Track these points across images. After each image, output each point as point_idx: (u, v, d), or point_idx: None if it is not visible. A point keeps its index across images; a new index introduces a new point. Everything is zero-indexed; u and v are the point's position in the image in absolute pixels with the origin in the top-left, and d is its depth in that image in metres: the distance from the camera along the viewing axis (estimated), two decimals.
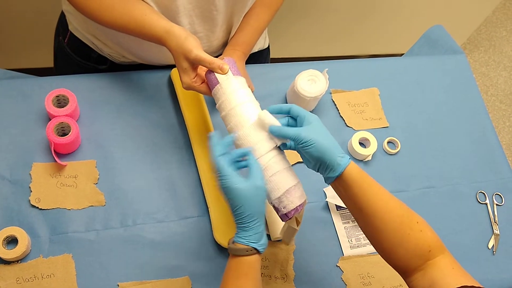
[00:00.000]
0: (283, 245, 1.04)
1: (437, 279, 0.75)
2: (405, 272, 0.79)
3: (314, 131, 0.81)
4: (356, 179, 0.80)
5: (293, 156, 1.13)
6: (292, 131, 0.81)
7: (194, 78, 0.92)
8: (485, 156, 1.23)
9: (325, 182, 0.84)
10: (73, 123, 1.01)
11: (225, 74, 0.87)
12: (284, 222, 1.03)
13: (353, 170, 0.80)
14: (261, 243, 0.79)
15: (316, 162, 0.81)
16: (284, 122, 0.86)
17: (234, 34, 1.10)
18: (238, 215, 0.78)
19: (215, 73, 0.88)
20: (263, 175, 0.81)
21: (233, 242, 0.79)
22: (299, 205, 0.83)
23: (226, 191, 0.78)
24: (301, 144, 0.80)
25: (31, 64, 1.86)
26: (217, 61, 0.87)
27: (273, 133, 0.83)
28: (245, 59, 1.10)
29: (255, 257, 0.79)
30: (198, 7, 1.00)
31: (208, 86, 0.92)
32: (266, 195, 0.83)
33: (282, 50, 2.08)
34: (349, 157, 0.82)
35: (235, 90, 0.87)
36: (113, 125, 1.09)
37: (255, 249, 0.78)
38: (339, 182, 0.82)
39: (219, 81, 0.88)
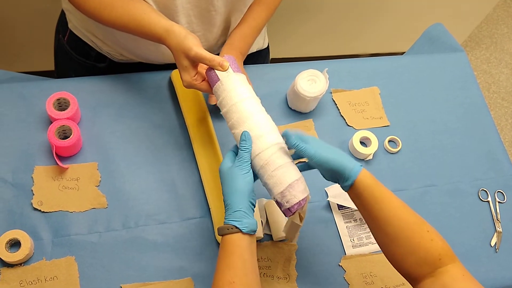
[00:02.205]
0: (285, 245, 1.04)
1: (448, 285, 0.76)
2: (415, 279, 0.80)
3: (318, 146, 0.84)
4: (367, 186, 0.82)
5: None
6: (303, 146, 0.84)
7: (194, 76, 0.92)
8: (486, 154, 1.23)
9: (344, 190, 0.86)
10: (74, 126, 1.01)
11: (225, 71, 0.88)
12: (286, 219, 1.03)
13: (365, 178, 0.82)
14: (243, 222, 0.81)
15: (331, 174, 0.85)
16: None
17: (231, 33, 1.10)
18: (223, 195, 0.84)
19: (216, 70, 0.88)
20: (246, 156, 0.84)
21: None
22: (302, 199, 0.83)
23: (219, 175, 0.86)
24: (313, 160, 0.84)
25: (31, 68, 1.86)
26: (217, 58, 0.87)
27: (288, 139, 0.84)
28: (243, 59, 1.10)
29: (239, 235, 0.81)
30: (197, 6, 1.00)
31: (209, 84, 0.92)
32: (269, 190, 0.86)
33: (281, 50, 2.09)
34: (360, 165, 0.83)
35: (236, 86, 0.88)
36: (114, 127, 1.09)
37: (236, 227, 0.80)
38: (352, 190, 0.84)
39: (220, 78, 0.88)
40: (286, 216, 0.86)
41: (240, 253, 0.80)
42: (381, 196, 0.82)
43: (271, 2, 1.11)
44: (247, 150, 0.84)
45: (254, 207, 0.85)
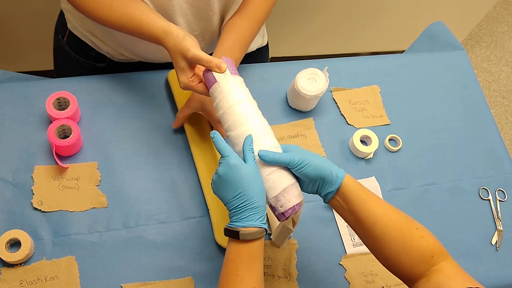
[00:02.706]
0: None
1: (443, 284, 0.75)
2: (410, 279, 0.79)
3: (303, 152, 0.83)
4: (354, 189, 0.82)
5: None
6: (285, 156, 0.82)
7: (191, 77, 0.91)
8: (487, 152, 1.23)
9: (324, 201, 0.85)
10: (74, 126, 1.01)
11: (222, 72, 0.87)
12: (277, 224, 1.03)
13: (350, 182, 0.82)
14: (267, 225, 0.81)
15: (315, 181, 0.83)
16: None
17: (216, 47, 1.04)
18: (244, 196, 0.77)
19: (213, 72, 0.88)
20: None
21: (237, 228, 0.78)
22: (297, 204, 0.82)
23: (229, 172, 0.78)
24: (297, 166, 0.81)
25: (31, 67, 1.86)
26: (214, 60, 0.86)
27: (265, 159, 0.81)
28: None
29: (263, 240, 0.80)
30: (193, 6, 1.00)
31: (206, 86, 0.91)
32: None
33: (282, 49, 2.08)
34: (343, 170, 0.83)
35: (233, 89, 0.87)
36: (114, 126, 1.09)
37: (266, 230, 0.79)
38: (338, 196, 0.83)
39: (217, 79, 0.87)
40: (279, 221, 0.85)
41: (262, 257, 0.79)
42: (368, 198, 0.81)
43: (254, 15, 1.05)
44: (253, 152, 0.82)
45: None
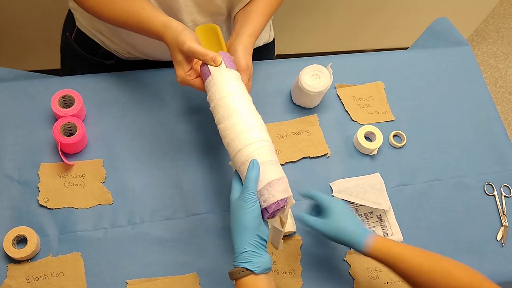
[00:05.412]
0: (290, 240, 1.04)
1: None
2: None
3: (336, 221, 0.89)
4: (382, 253, 0.86)
5: (297, 153, 1.13)
6: (318, 223, 0.91)
7: (188, 71, 0.91)
8: (492, 148, 1.23)
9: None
10: (79, 123, 1.02)
11: (218, 66, 0.86)
12: (288, 217, 1.02)
13: (376, 245, 0.86)
14: (254, 262, 0.76)
15: (336, 241, 0.91)
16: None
17: (244, 21, 1.01)
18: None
19: (208, 65, 0.87)
20: (251, 186, 0.78)
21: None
22: (281, 199, 0.77)
23: None
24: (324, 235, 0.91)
25: (36, 67, 1.87)
26: (210, 53, 0.86)
27: (301, 220, 0.91)
28: (254, 41, 1.00)
29: (253, 277, 0.76)
30: (199, 4, 1.00)
31: (203, 80, 0.91)
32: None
33: (287, 46, 2.08)
34: (368, 232, 0.87)
35: (226, 81, 0.86)
36: (119, 124, 1.10)
37: (247, 269, 0.76)
38: (369, 255, 0.88)
39: (211, 72, 0.87)
40: (263, 218, 0.79)
41: None
42: (398, 257, 0.85)
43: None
44: (254, 180, 0.78)
45: (266, 241, 0.79)
